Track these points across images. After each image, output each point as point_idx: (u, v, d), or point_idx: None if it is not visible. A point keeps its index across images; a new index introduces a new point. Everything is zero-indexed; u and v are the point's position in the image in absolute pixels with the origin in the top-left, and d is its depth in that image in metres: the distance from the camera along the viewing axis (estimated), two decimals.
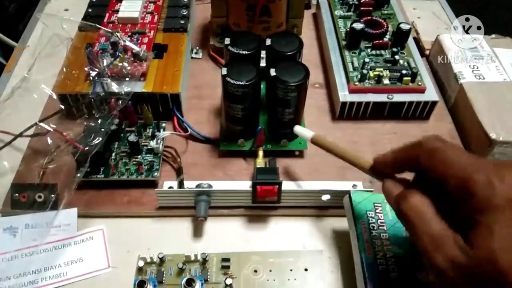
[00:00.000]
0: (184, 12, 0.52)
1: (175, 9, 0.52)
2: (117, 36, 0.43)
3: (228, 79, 0.37)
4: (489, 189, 0.22)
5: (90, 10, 0.51)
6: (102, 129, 0.38)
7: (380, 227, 0.34)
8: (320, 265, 0.36)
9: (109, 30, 0.45)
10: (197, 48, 0.54)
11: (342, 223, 0.37)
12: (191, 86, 0.50)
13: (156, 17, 0.50)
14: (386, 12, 0.54)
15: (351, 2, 0.55)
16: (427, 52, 0.55)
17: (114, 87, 0.40)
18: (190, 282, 0.33)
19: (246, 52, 0.40)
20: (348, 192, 0.36)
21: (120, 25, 0.49)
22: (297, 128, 0.39)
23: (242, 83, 0.37)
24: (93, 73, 0.41)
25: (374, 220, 0.34)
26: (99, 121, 0.39)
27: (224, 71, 0.38)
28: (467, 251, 0.23)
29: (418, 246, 0.25)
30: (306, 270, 0.35)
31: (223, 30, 0.52)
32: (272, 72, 0.38)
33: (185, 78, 0.47)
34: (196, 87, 0.50)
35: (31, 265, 0.35)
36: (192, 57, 0.53)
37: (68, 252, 0.36)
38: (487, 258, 0.22)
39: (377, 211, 0.35)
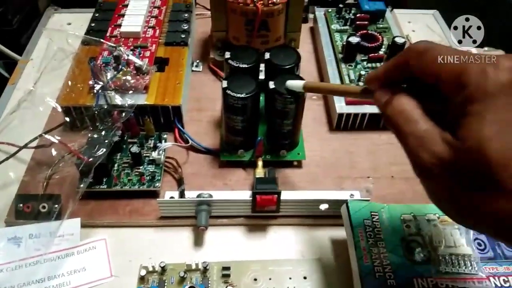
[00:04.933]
0: (185, 27, 0.53)
1: (176, 24, 0.53)
2: (121, 50, 0.44)
3: (229, 91, 0.38)
4: (482, 77, 0.21)
5: (93, 25, 0.53)
6: (106, 141, 0.39)
7: (377, 236, 0.34)
8: (318, 273, 0.36)
9: (112, 44, 0.46)
10: (198, 61, 0.55)
11: (340, 232, 0.38)
12: (191, 98, 0.51)
13: (157, 31, 0.52)
14: (381, 26, 0.56)
15: (347, 17, 0.57)
16: None
17: (118, 99, 0.41)
18: None
19: (246, 66, 0.41)
20: (345, 201, 0.37)
21: (123, 39, 0.50)
22: (289, 83, 0.37)
23: (242, 95, 0.38)
24: (97, 86, 0.42)
25: (371, 229, 0.35)
26: (103, 133, 0.40)
27: (225, 84, 0.39)
28: (454, 144, 0.21)
29: (405, 149, 0.24)
30: (305, 278, 0.36)
31: (223, 44, 0.53)
32: (271, 84, 0.39)
33: (186, 91, 0.48)
34: (197, 99, 0.51)
35: (35, 275, 0.35)
36: (192, 70, 0.54)
37: (71, 261, 0.36)
38: (474, 147, 0.20)
39: (374, 219, 0.36)
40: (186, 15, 0.55)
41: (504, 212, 0.20)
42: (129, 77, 0.43)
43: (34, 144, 0.43)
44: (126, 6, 0.54)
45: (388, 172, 0.44)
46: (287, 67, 0.41)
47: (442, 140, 0.22)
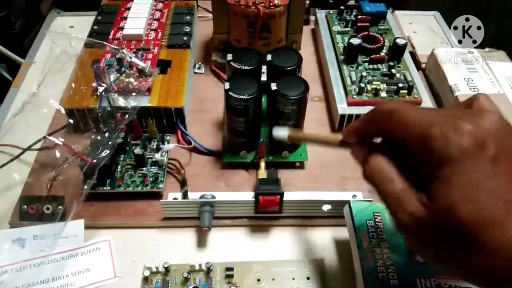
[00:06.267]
0: (187, 29, 0.53)
1: (178, 26, 0.54)
2: (123, 52, 0.44)
3: (231, 93, 0.38)
4: (445, 142, 0.22)
5: (95, 27, 0.53)
6: (109, 143, 0.39)
7: (379, 236, 0.35)
8: (321, 273, 0.36)
9: (115, 46, 0.47)
10: (200, 63, 0.56)
11: (342, 232, 0.38)
12: (194, 100, 0.51)
13: (160, 34, 0.52)
14: (382, 27, 0.56)
15: (348, 18, 0.57)
16: (423, 66, 0.56)
17: (121, 101, 0.42)
18: None
19: (248, 68, 0.41)
20: (348, 202, 0.37)
21: (125, 42, 0.51)
22: (275, 133, 0.37)
23: (244, 97, 0.38)
24: (100, 89, 0.43)
25: (373, 229, 0.35)
26: (106, 134, 0.40)
27: (227, 85, 0.39)
28: (427, 206, 0.23)
29: (385, 206, 0.25)
30: (308, 278, 0.36)
31: (224, 46, 0.54)
32: (273, 86, 0.39)
33: (188, 93, 0.48)
34: (199, 101, 0.51)
35: (39, 276, 0.35)
36: (194, 72, 0.54)
37: (76, 262, 0.37)
38: (446, 209, 0.21)
39: (376, 220, 0.36)
40: (188, 17, 0.55)
41: (482, 268, 0.21)
42: (132, 79, 0.44)
43: (38, 146, 0.43)
44: (129, 9, 0.55)
45: None
46: (289, 68, 0.42)
47: (417, 200, 0.23)
